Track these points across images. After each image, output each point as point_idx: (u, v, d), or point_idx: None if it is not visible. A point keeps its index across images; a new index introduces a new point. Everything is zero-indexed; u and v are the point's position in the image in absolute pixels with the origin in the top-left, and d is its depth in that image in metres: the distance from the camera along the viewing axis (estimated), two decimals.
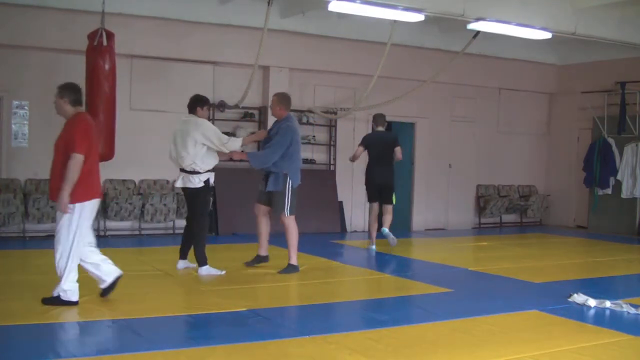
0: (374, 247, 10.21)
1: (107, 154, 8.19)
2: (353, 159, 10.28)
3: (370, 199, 10.32)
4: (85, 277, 7.08)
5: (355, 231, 12.61)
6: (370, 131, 10.87)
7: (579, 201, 14.34)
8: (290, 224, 7.72)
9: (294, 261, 7.76)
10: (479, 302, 6.59)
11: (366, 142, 10.11)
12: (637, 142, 13.03)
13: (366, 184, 10.32)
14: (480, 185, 14.14)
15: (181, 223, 11.00)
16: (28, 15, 9.59)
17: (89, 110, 8.21)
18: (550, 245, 11.62)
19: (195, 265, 7.72)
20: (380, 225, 10.21)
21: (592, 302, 6.43)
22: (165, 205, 10.49)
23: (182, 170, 7.38)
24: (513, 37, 10.56)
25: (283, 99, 7.76)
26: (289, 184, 7.61)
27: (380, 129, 10.23)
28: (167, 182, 11.01)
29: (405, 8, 8.83)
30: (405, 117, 13.06)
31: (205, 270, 7.42)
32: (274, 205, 7.68)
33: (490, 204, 13.78)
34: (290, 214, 7.67)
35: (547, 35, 10.16)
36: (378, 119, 10.22)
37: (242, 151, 7.72)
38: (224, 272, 7.44)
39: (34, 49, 9.90)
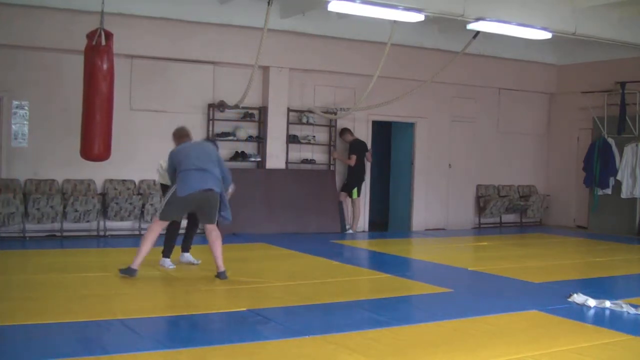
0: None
1: (103, 154, 8.18)
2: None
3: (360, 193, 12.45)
4: (86, 276, 7.09)
5: (355, 231, 12.60)
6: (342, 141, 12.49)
7: (579, 201, 14.33)
8: (151, 226, 7.38)
9: (134, 265, 7.10)
10: (479, 302, 6.59)
11: (357, 149, 12.20)
12: (637, 142, 13.02)
13: (358, 182, 12.34)
14: (480, 185, 14.14)
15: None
16: (28, 15, 9.58)
17: (86, 110, 8.19)
18: (550, 245, 11.61)
19: (198, 261, 8.02)
20: None
21: (592, 302, 6.43)
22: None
23: None
24: (513, 37, 10.56)
25: (173, 136, 7.84)
26: (173, 190, 7.29)
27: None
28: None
29: (405, 8, 8.82)
30: (405, 117, 13.06)
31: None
32: None
33: (490, 204, 13.78)
34: (160, 217, 7.34)
35: (547, 35, 10.15)
36: (349, 130, 12.33)
37: None
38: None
39: (34, 49, 9.89)
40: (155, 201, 10.41)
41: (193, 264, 8.06)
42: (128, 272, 7.08)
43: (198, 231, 8.33)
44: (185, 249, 8.18)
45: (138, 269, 7.09)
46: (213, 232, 7.32)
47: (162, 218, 7.32)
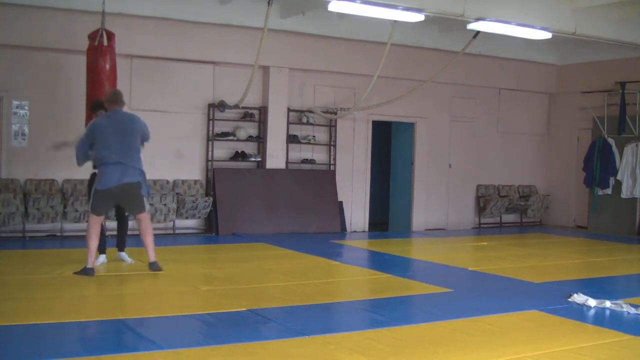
0: None
1: None
2: None
3: None
4: (92, 276, 7.09)
5: (355, 231, 12.61)
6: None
7: (579, 201, 14.34)
8: (89, 221, 7.29)
9: (88, 264, 7.10)
10: (479, 302, 6.59)
11: None
12: (637, 142, 13.03)
13: None
14: (480, 185, 14.14)
15: (181, 223, 11.04)
16: (28, 15, 9.58)
17: (89, 110, 8.18)
18: (550, 245, 11.61)
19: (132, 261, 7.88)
20: None
21: (592, 302, 6.43)
22: (165, 205, 10.48)
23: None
24: (513, 37, 10.56)
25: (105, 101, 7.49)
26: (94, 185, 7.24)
27: None
28: (167, 182, 11.02)
29: (405, 8, 8.82)
30: (405, 117, 13.06)
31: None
32: None
33: (490, 204, 13.78)
34: (91, 212, 7.25)
35: (547, 35, 10.16)
36: None
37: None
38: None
39: (34, 49, 9.89)
40: (154, 201, 10.41)
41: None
42: (84, 272, 7.02)
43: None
44: (121, 247, 8.05)
45: (94, 267, 7.11)
46: (143, 222, 7.31)
47: (93, 212, 7.21)
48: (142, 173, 7.31)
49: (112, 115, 7.26)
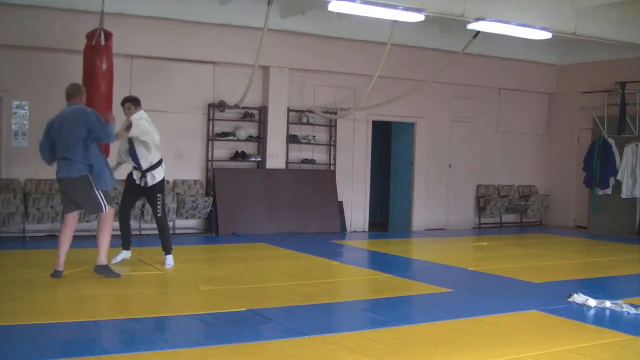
0: None
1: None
2: None
3: None
4: (86, 276, 7.09)
5: (355, 231, 12.61)
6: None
7: (579, 201, 14.34)
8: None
9: (59, 267, 6.92)
10: (479, 302, 6.59)
11: None
12: (637, 142, 13.03)
13: None
14: (480, 185, 14.14)
15: (181, 223, 11.04)
16: (28, 15, 9.58)
17: None
18: (550, 245, 11.61)
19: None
20: None
21: (592, 302, 6.44)
22: (165, 205, 10.46)
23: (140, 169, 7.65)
24: (513, 37, 10.56)
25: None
26: None
27: None
28: (167, 182, 11.00)
29: (405, 8, 8.83)
30: (405, 117, 13.06)
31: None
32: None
33: (490, 204, 13.78)
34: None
35: (547, 35, 10.16)
36: None
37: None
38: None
39: (34, 49, 9.89)
40: None
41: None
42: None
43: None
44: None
45: (61, 270, 6.90)
46: (101, 221, 7.08)
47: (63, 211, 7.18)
48: (90, 167, 6.79)
49: (65, 109, 7.00)
